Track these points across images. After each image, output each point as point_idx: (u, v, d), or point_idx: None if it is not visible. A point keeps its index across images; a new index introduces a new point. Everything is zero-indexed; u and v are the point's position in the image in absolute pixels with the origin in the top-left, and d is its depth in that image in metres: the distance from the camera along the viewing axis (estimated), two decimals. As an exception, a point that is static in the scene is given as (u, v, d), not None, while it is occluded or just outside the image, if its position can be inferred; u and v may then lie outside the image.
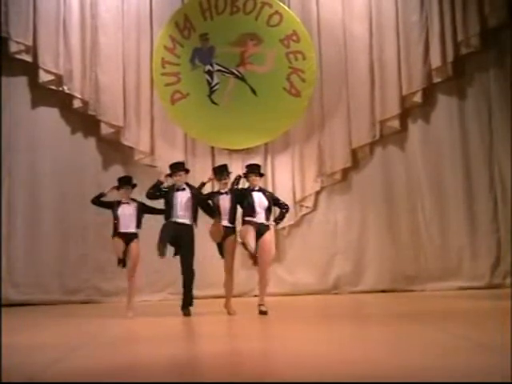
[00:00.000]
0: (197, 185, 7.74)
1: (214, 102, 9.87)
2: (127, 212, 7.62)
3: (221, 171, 7.75)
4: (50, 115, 9.88)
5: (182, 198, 7.44)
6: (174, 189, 7.50)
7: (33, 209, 9.69)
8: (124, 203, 7.70)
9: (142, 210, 7.65)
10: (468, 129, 10.05)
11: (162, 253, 7.03)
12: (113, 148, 9.95)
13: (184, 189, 7.51)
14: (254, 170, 7.66)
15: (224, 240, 7.42)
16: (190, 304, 7.35)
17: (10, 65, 9.73)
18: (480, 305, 7.73)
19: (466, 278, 9.72)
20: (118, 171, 9.78)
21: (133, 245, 7.49)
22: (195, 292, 9.31)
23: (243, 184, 7.83)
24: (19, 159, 9.72)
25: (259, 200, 7.39)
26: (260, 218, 7.31)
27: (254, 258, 7.27)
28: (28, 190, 9.72)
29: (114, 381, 3.94)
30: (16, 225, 9.64)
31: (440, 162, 10.02)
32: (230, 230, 7.46)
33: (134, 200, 7.72)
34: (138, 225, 7.64)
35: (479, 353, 4.47)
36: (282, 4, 9.93)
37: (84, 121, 9.90)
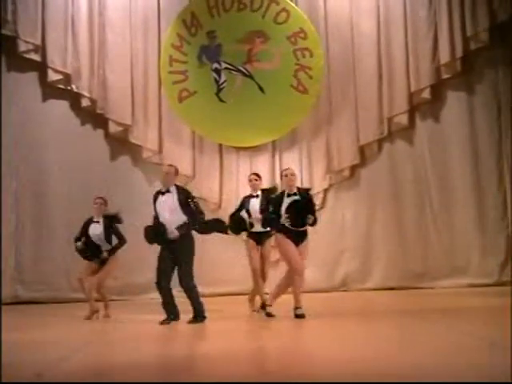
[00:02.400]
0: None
1: (221, 100, 9.86)
2: (98, 232, 7.43)
3: None
4: (59, 113, 9.91)
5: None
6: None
7: (41, 206, 9.73)
8: (95, 222, 7.52)
9: (109, 226, 7.41)
10: (477, 125, 9.99)
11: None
12: (121, 146, 9.98)
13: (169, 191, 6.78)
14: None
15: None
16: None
17: (19, 62, 9.77)
18: (489, 302, 7.68)
19: (474, 275, 9.67)
20: (126, 169, 9.82)
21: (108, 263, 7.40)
22: (201, 289, 9.36)
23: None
24: (28, 157, 9.77)
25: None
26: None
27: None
28: (36, 187, 9.76)
29: (120, 379, 3.95)
30: (24, 222, 9.68)
31: (448, 159, 9.98)
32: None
33: (105, 217, 7.48)
34: (109, 241, 7.42)
35: (488, 351, 4.44)
36: (289, 1, 9.90)
37: (92, 119, 9.93)
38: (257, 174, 7.78)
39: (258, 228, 7.36)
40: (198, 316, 6.65)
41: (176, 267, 6.64)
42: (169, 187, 6.76)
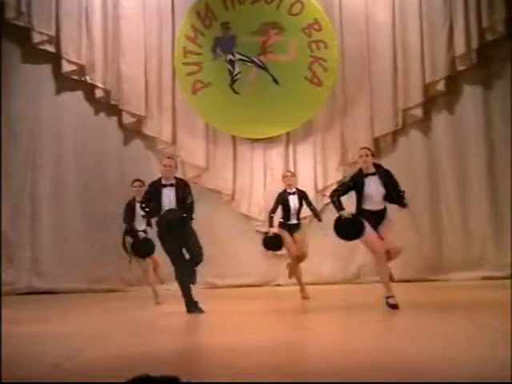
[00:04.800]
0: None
1: (235, 92, 9.84)
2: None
3: None
4: (73, 104, 9.93)
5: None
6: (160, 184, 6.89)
7: (57, 198, 9.78)
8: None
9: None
10: (492, 117, 9.90)
11: None
12: (135, 135, 9.99)
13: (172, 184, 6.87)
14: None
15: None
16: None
17: (32, 55, 9.77)
18: (505, 295, 7.63)
19: (489, 267, 9.60)
20: (140, 161, 9.83)
21: None
22: (216, 281, 9.39)
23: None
24: (43, 149, 9.80)
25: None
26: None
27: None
28: (52, 179, 9.80)
29: (137, 370, 3.96)
30: (41, 214, 9.73)
31: (463, 151, 9.90)
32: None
33: None
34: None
35: (505, 343, 4.42)
36: (303, -8, 9.84)
37: (107, 110, 9.95)
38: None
39: (293, 220, 7.98)
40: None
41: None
42: (170, 180, 6.83)
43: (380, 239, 6.63)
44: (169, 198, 6.75)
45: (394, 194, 6.70)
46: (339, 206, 6.55)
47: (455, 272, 9.61)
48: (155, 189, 6.80)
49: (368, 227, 6.56)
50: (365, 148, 6.91)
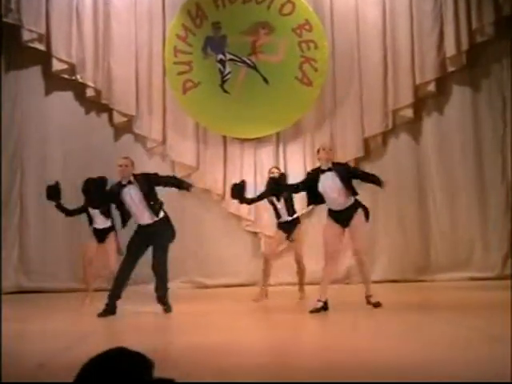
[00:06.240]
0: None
1: (225, 91, 9.84)
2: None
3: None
4: (63, 104, 9.90)
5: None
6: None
7: (45, 198, 9.72)
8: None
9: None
10: (481, 119, 9.94)
11: None
12: (126, 135, 9.95)
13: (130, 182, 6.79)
14: None
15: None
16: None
17: (21, 54, 9.72)
18: (493, 296, 7.68)
19: (476, 268, 9.66)
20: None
21: (108, 240, 7.54)
22: (204, 280, 9.39)
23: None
24: (32, 149, 9.76)
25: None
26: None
27: None
28: (40, 179, 9.72)
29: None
30: (28, 213, 9.69)
31: (452, 152, 9.94)
32: None
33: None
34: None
35: (491, 344, 4.46)
36: (294, -8, 9.85)
37: (97, 110, 9.92)
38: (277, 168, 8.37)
39: (284, 217, 7.79)
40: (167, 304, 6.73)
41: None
42: (129, 179, 6.78)
43: (340, 241, 6.54)
44: (129, 195, 6.72)
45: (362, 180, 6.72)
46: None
47: (442, 272, 9.65)
48: (117, 189, 6.76)
49: (330, 224, 6.51)
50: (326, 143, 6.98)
